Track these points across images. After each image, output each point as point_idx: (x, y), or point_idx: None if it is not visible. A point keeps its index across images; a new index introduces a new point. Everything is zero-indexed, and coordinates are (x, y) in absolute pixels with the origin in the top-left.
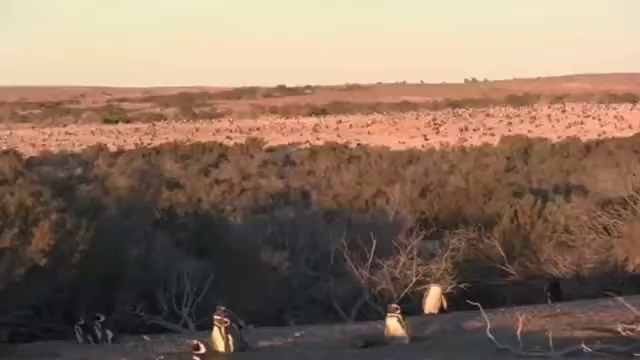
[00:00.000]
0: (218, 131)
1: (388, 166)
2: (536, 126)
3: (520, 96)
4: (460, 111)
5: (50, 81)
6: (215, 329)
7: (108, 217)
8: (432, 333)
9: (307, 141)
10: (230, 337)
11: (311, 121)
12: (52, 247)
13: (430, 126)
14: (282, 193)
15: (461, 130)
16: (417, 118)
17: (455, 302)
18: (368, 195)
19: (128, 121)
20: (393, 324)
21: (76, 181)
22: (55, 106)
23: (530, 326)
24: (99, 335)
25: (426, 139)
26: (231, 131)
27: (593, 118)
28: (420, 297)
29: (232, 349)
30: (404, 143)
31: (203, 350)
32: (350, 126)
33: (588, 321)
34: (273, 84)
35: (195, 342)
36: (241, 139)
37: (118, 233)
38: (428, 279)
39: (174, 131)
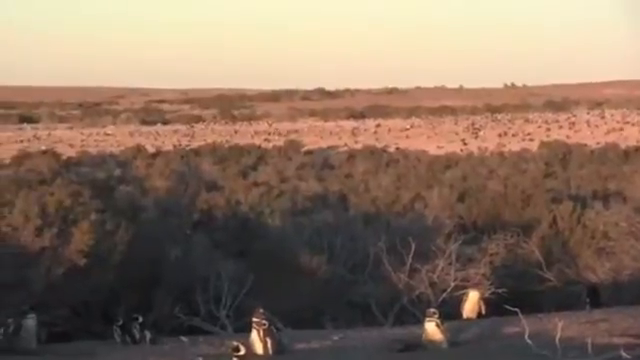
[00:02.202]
0: (257, 133)
1: (426, 170)
2: (575, 132)
3: (559, 101)
4: (499, 116)
5: (89, 82)
6: (253, 331)
7: (147, 218)
8: (470, 338)
9: (345, 144)
10: (268, 340)
11: (350, 124)
12: (91, 247)
13: (469, 131)
14: (320, 196)
15: (500, 135)
16: (456, 123)
17: (493, 307)
18: (406, 199)
19: (166, 122)
20: (431, 328)
21: (115, 182)
22: (94, 107)
23: (568, 332)
24: (137, 336)
25: (465, 144)
26: (270, 133)
27: (632, 125)
28: (458, 302)
29: (270, 352)
30: (442, 147)
31: (243, 352)
32: (389, 130)
33: (627, 327)
34: (312, 87)
35: (235, 343)
36: (279, 142)
37: (157, 234)
38: (466, 284)
39: (213, 133)
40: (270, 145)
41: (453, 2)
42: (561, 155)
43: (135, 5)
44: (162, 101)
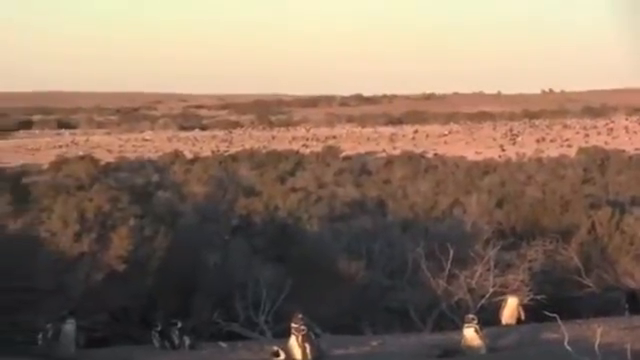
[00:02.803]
0: (294, 139)
1: (465, 176)
2: (613, 138)
3: (597, 107)
4: (537, 122)
5: (127, 87)
6: (292, 337)
7: (185, 224)
8: (509, 344)
9: (383, 150)
10: (307, 345)
11: (388, 130)
12: (130, 253)
13: (507, 137)
14: (358, 202)
15: (538, 141)
16: (494, 128)
17: (532, 313)
18: (445, 205)
19: (204, 128)
20: (470, 334)
21: (153, 188)
22: (132, 112)
23: (608, 338)
24: (176, 341)
25: (503, 150)
26: (307, 139)
27: None
28: (497, 308)
29: (309, 357)
30: (481, 153)
31: (283, 357)
32: (427, 136)
33: None
34: (350, 93)
35: (275, 348)
36: (317, 147)
37: (195, 240)
38: (505, 290)
39: (250, 138)
40: (308, 151)
41: (490, 8)
42: (599, 161)
43: (174, 12)
44: (200, 107)
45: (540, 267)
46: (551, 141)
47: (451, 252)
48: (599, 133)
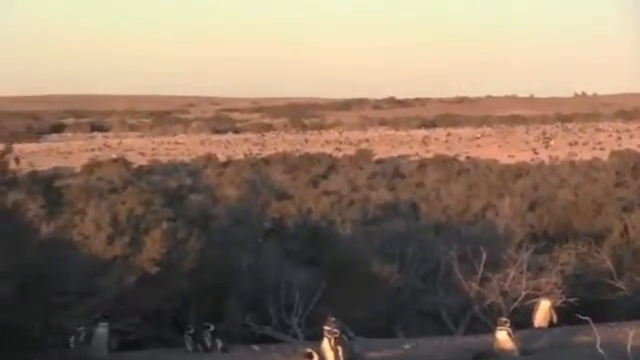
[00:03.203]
0: (327, 142)
1: (497, 179)
2: None
3: (630, 111)
4: (569, 125)
5: (159, 91)
6: (325, 340)
7: (218, 227)
8: (541, 347)
9: (416, 153)
10: (339, 348)
11: (420, 133)
12: (163, 256)
13: (539, 140)
14: (391, 205)
15: (570, 144)
16: (527, 132)
17: (564, 316)
18: (477, 208)
19: (237, 131)
20: (503, 337)
21: (186, 191)
22: (164, 115)
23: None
24: (209, 344)
25: (535, 153)
26: (340, 142)
27: None
28: (529, 311)
29: None
30: (513, 157)
31: (316, 359)
32: (459, 139)
33: None
34: (383, 96)
35: (309, 350)
36: (350, 150)
37: (228, 243)
38: (538, 293)
39: (283, 142)
40: (341, 154)
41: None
42: (632, 164)
43: (205, 16)
44: (233, 110)
45: (572, 270)
46: (584, 144)
47: (484, 255)
48: (632, 136)
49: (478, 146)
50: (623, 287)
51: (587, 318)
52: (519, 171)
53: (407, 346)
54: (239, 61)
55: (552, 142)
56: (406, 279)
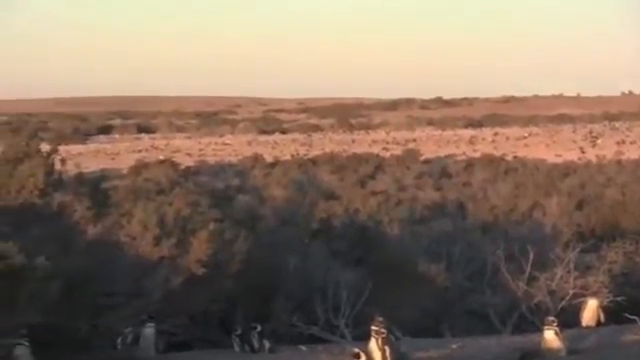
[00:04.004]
0: (375, 142)
1: (544, 179)
2: None
3: None
4: (617, 124)
5: (206, 91)
6: (372, 340)
7: (265, 227)
8: (589, 346)
9: (463, 153)
10: (387, 348)
11: (467, 133)
12: (210, 257)
13: (587, 139)
14: (438, 205)
15: (618, 143)
16: (574, 131)
17: (612, 315)
18: (525, 207)
19: (284, 132)
20: (550, 336)
21: (233, 191)
22: (211, 116)
23: None
24: (256, 345)
25: (583, 152)
26: (387, 142)
27: None
28: (577, 310)
29: None
30: (560, 156)
31: (363, 359)
32: (507, 138)
33: None
34: (430, 96)
35: (356, 350)
36: (397, 150)
37: (275, 243)
38: (585, 292)
39: (330, 142)
40: (388, 154)
41: (570, 9)
42: None
43: (252, 17)
44: (280, 110)
45: (620, 269)
46: (631, 143)
47: (531, 254)
48: None
49: (525, 145)
50: None
51: (635, 317)
52: (566, 170)
53: (454, 346)
54: (286, 62)
55: (599, 141)
56: (453, 279)
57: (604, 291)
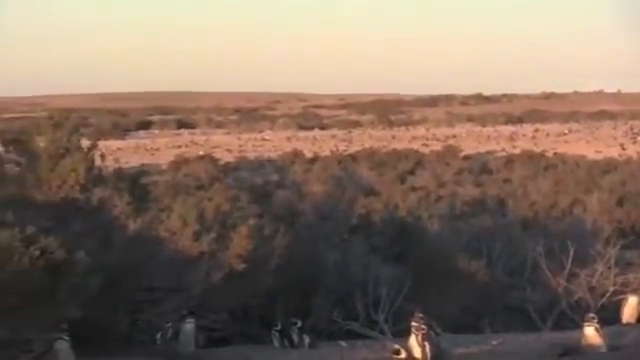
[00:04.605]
0: (414, 138)
1: (585, 175)
2: None
3: None
4: None
5: (246, 87)
6: (412, 336)
7: (305, 223)
8: (629, 342)
9: (503, 149)
10: (427, 344)
11: (507, 129)
12: (249, 252)
13: (627, 135)
14: (478, 201)
15: None
16: (614, 127)
17: None
18: (565, 204)
19: (324, 128)
20: (590, 333)
21: (272, 187)
22: (251, 112)
23: None
24: (296, 340)
25: (623, 148)
26: (427, 139)
27: None
28: (617, 306)
29: (429, 356)
30: (601, 152)
31: (404, 355)
32: (547, 135)
33: None
34: (470, 92)
35: (397, 346)
36: (437, 146)
37: (314, 239)
38: (625, 289)
39: (370, 138)
40: (428, 150)
41: (612, 6)
42: None
43: (292, 12)
44: (320, 106)
45: None
46: None
47: (571, 251)
48: None
49: (565, 142)
50: None
51: None
52: (607, 167)
53: (494, 342)
54: (326, 57)
55: None
56: (493, 275)
57: None
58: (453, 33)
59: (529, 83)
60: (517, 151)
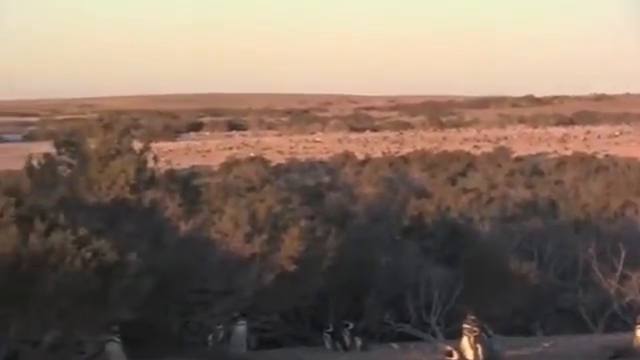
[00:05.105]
0: (466, 140)
1: (636, 177)
2: None
3: None
4: None
5: (297, 89)
6: (464, 338)
7: (356, 225)
8: None
9: (555, 151)
10: (479, 346)
11: (559, 131)
12: (301, 254)
13: None
14: (530, 203)
15: None
16: None
17: None
18: (616, 206)
19: (375, 129)
20: None
21: (324, 189)
22: (302, 114)
23: None
24: (348, 342)
25: None
26: (479, 140)
27: None
28: None
29: (480, 358)
30: None
31: (455, 357)
32: (598, 136)
33: None
34: (521, 94)
35: (449, 348)
36: (489, 148)
37: (366, 240)
38: None
39: (421, 140)
40: (479, 152)
41: None
42: None
43: (343, 16)
44: (371, 108)
45: None
46: None
47: (623, 253)
48: None
49: (617, 144)
50: None
51: None
52: None
53: (546, 344)
54: (376, 59)
55: None
56: (544, 277)
57: None
58: (504, 36)
59: (580, 85)
60: (568, 153)
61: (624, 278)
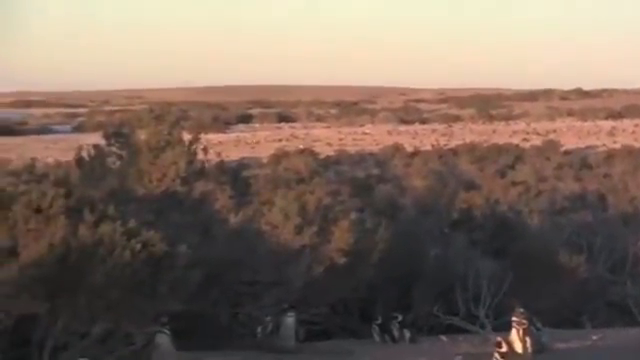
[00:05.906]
0: (515, 133)
1: None
2: None
3: None
4: None
5: (346, 81)
6: (513, 330)
7: (406, 217)
8: None
9: (604, 144)
10: (527, 339)
11: (608, 124)
12: (351, 246)
13: None
14: (579, 196)
15: None
16: None
17: None
18: None
19: (424, 122)
20: None
21: (374, 181)
22: (351, 106)
23: None
24: (396, 334)
25: None
26: (527, 133)
27: None
28: None
29: (529, 351)
30: None
31: (505, 349)
32: None
33: None
34: (570, 87)
35: (499, 339)
36: (538, 141)
37: (415, 233)
38: None
39: (471, 132)
40: (528, 145)
41: None
42: None
43: (394, 8)
44: (420, 100)
45: None
46: None
47: None
48: None
49: None
50: None
51: None
52: None
53: (594, 337)
54: (426, 51)
55: None
56: (593, 270)
57: None
58: (552, 29)
59: (629, 78)
60: (617, 146)
61: None
